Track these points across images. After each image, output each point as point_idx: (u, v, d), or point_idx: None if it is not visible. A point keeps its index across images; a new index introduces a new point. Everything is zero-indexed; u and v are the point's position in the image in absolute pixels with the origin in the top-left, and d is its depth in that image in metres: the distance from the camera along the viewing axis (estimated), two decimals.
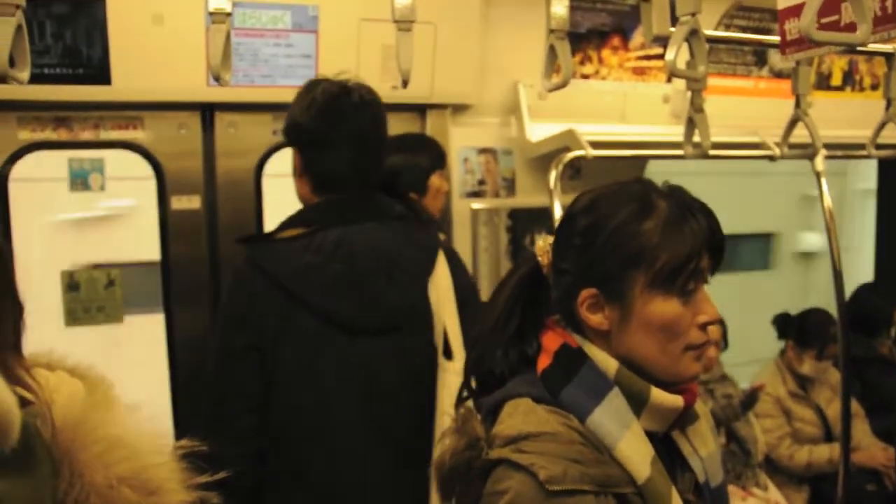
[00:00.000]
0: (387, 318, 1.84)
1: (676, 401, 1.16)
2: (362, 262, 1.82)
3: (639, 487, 1.10)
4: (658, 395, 1.15)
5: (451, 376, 1.83)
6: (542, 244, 1.27)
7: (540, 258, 1.26)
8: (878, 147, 2.77)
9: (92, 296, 2.70)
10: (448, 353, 1.87)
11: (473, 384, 1.29)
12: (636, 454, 1.11)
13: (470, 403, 1.26)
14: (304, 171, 1.92)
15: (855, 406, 3.58)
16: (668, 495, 1.11)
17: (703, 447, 1.25)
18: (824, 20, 1.79)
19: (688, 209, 1.15)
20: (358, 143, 1.88)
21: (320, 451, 1.80)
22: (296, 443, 1.82)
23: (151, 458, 0.69)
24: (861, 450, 3.62)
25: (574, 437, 1.10)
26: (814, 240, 7.01)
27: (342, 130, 1.87)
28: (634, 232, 1.14)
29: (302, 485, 1.82)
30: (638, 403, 1.14)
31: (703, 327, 1.16)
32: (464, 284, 1.97)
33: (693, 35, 1.88)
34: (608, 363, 1.16)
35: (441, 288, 1.90)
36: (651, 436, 1.15)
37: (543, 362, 1.20)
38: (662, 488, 1.11)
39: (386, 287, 1.83)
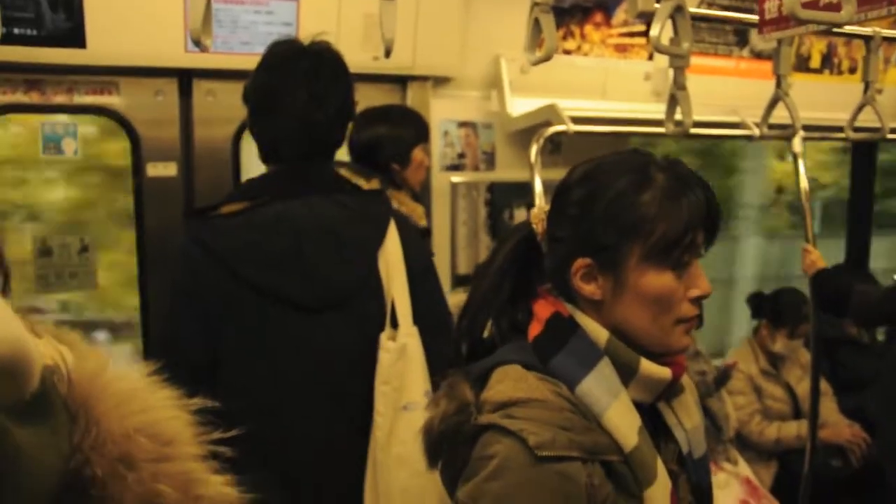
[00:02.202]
0: (333, 292, 1.79)
1: (665, 372, 1.17)
2: (305, 237, 1.76)
3: (625, 455, 1.11)
4: (647, 366, 1.16)
5: (383, 353, 1.80)
6: (538, 211, 1.26)
7: (535, 225, 1.25)
8: (856, 130, 2.80)
9: (65, 262, 2.66)
10: (395, 324, 1.84)
11: (463, 350, 1.29)
12: (624, 423, 1.12)
13: (459, 369, 1.25)
14: (253, 135, 1.86)
15: (823, 385, 3.64)
16: (653, 464, 1.13)
17: (688, 419, 1.26)
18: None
19: (686, 182, 1.15)
20: (305, 110, 1.78)
21: (271, 426, 1.76)
22: (246, 418, 1.78)
23: (165, 412, 0.69)
24: (828, 427, 3.68)
25: (563, 404, 1.11)
26: None
27: (288, 95, 1.78)
28: (632, 203, 1.13)
29: (255, 459, 1.80)
30: (627, 374, 1.15)
31: (696, 301, 1.17)
32: (415, 256, 1.90)
33: (678, 11, 1.88)
34: (599, 333, 1.16)
35: (391, 260, 1.85)
36: (638, 406, 1.16)
37: (535, 330, 1.20)
38: (648, 457, 1.12)
39: (331, 262, 1.78)
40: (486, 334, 1.28)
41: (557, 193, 1.23)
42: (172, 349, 1.76)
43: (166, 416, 0.69)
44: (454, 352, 1.29)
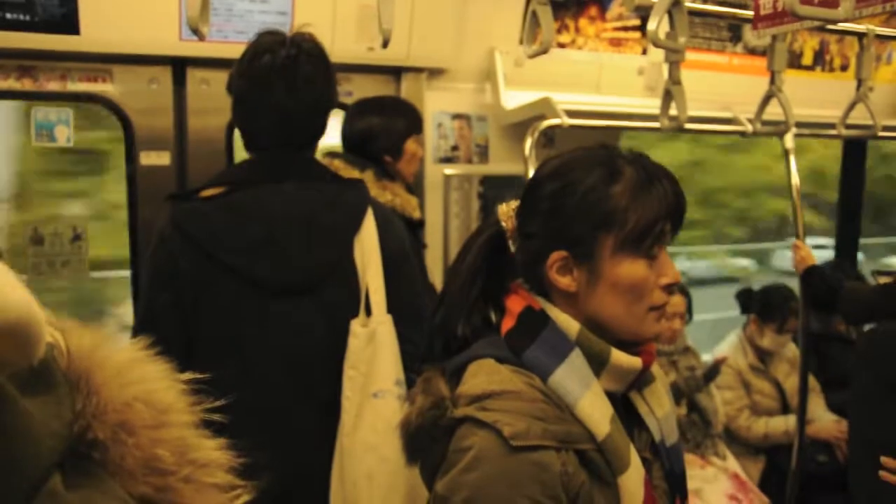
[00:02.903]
0: (304, 277, 1.82)
1: (635, 362, 1.20)
2: (277, 223, 1.79)
3: (598, 444, 1.13)
4: (618, 356, 1.18)
5: (352, 339, 1.82)
6: (506, 209, 1.29)
7: (504, 223, 1.28)
8: (848, 127, 2.82)
9: (57, 250, 2.65)
10: (368, 311, 1.86)
11: (437, 346, 1.30)
12: (596, 412, 1.14)
13: (433, 364, 1.28)
14: (236, 123, 1.89)
15: (811, 381, 3.66)
16: (626, 452, 1.15)
17: (659, 408, 1.29)
18: None
19: (653, 174, 1.18)
20: (280, 101, 1.81)
21: (243, 409, 1.77)
22: (218, 398, 1.78)
23: (160, 382, 0.72)
24: (816, 422, 3.71)
25: (536, 395, 1.13)
26: None
27: (264, 86, 1.81)
28: (604, 195, 1.16)
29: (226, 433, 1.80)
30: (598, 364, 1.18)
31: (666, 288, 1.20)
32: (392, 245, 1.91)
33: (675, 6, 1.89)
34: (570, 325, 1.19)
35: (366, 247, 1.87)
36: (610, 396, 1.18)
37: (507, 324, 1.22)
38: (621, 445, 1.15)
39: (301, 247, 1.81)
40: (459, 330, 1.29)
41: (528, 190, 1.26)
42: (149, 330, 1.75)
43: (162, 387, 0.71)
44: (428, 347, 1.31)
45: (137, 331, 1.82)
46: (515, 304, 1.23)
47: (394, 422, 1.74)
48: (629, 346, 1.21)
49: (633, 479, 1.15)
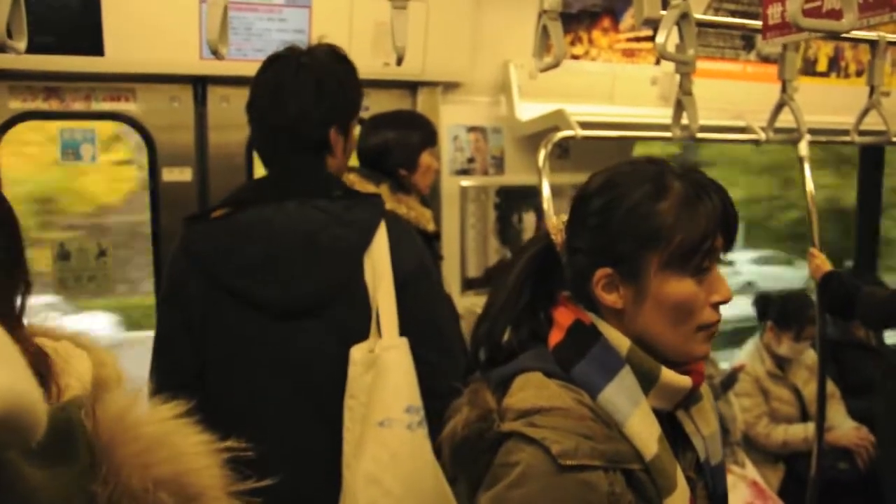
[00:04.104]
0: (308, 299, 1.75)
1: (685, 381, 1.18)
2: (279, 244, 1.74)
3: (646, 464, 1.11)
4: (668, 374, 1.16)
5: (350, 366, 1.74)
6: (556, 222, 1.27)
7: (553, 237, 1.27)
8: (861, 133, 2.82)
9: (83, 265, 2.71)
10: (379, 330, 1.77)
11: (482, 357, 1.29)
12: (645, 431, 1.12)
13: (480, 376, 1.26)
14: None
15: (831, 387, 3.65)
16: (673, 472, 1.13)
17: (706, 427, 1.27)
18: (806, 6, 1.82)
19: (702, 189, 1.16)
20: (267, 113, 1.79)
21: (252, 432, 1.73)
22: (228, 423, 1.76)
23: (194, 461, 0.66)
24: (835, 430, 3.70)
25: (585, 412, 1.11)
26: None
27: (264, 99, 1.80)
28: (650, 212, 1.14)
29: (233, 467, 1.77)
30: (648, 382, 1.16)
31: (716, 306, 1.18)
32: (405, 262, 1.82)
33: (683, 18, 1.92)
34: (621, 341, 1.17)
35: (377, 265, 1.79)
36: (657, 414, 1.16)
37: (556, 337, 1.20)
38: (668, 465, 1.13)
39: (305, 268, 1.74)
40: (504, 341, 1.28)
41: (575, 204, 1.24)
42: (162, 355, 1.79)
43: (195, 468, 0.66)
44: (472, 356, 1.29)
45: (154, 352, 1.81)
46: (564, 317, 1.21)
47: (400, 452, 1.70)
48: (677, 365, 1.19)
49: (679, 502, 1.13)
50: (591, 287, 1.19)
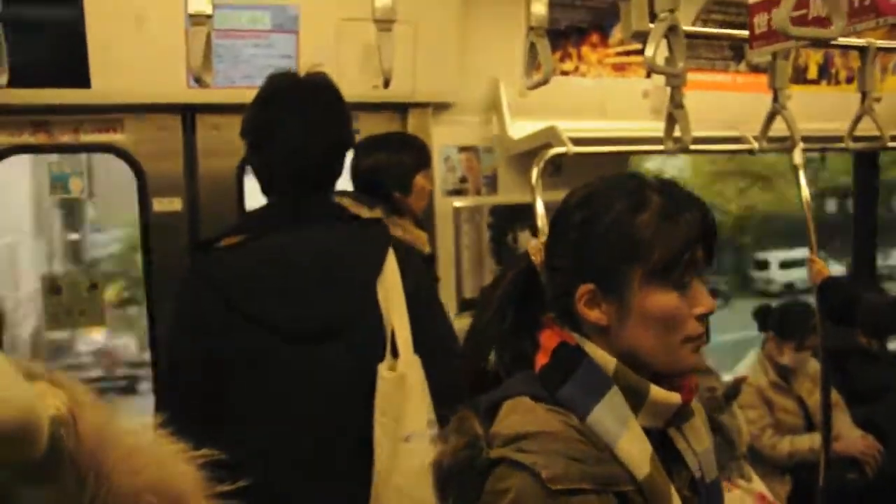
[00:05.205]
0: (329, 323, 1.78)
1: (674, 398, 1.17)
2: (299, 269, 1.76)
3: (638, 485, 1.10)
4: (656, 392, 1.15)
5: (381, 383, 1.77)
6: (535, 244, 1.27)
7: (533, 257, 1.26)
8: (855, 139, 2.82)
9: (74, 299, 2.68)
10: (395, 353, 1.81)
11: (469, 384, 1.28)
12: (636, 452, 1.11)
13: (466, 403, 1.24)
14: (252, 168, 1.88)
15: (835, 396, 3.62)
16: (667, 492, 1.12)
17: (699, 443, 1.25)
18: (794, 14, 1.82)
19: (681, 202, 1.16)
20: (298, 142, 1.80)
21: (268, 457, 1.74)
22: (245, 448, 1.77)
23: (174, 467, 0.69)
24: (841, 439, 3.66)
25: (574, 435, 1.10)
26: None
27: (281, 128, 1.80)
28: (629, 226, 1.14)
29: (251, 490, 1.78)
30: (636, 401, 1.14)
31: (701, 318, 1.17)
32: (415, 284, 1.88)
33: (672, 31, 1.91)
34: (606, 361, 1.16)
35: (389, 288, 1.83)
36: (647, 432, 1.15)
37: (541, 361, 1.19)
38: (662, 485, 1.11)
39: (326, 292, 1.77)
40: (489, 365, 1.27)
41: (554, 222, 1.24)
42: (175, 385, 1.79)
43: (174, 472, 0.68)
44: (460, 383, 1.30)
45: (165, 382, 1.82)
46: (549, 339, 1.20)
47: (425, 465, 1.72)
48: (667, 381, 1.17)
49: None
50: (574, 304, 1.18)
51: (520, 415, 1.13)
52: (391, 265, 1.84)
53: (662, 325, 1.14)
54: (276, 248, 1.78)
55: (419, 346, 1.83)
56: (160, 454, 0.68)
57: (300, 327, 1.75)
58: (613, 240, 1.15)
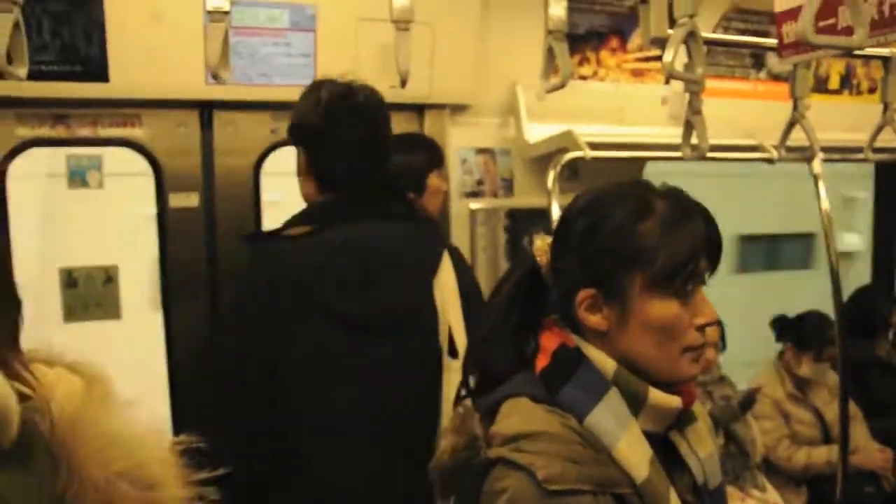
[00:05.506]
0: (394, 317, 1.82)
1: (674, 401, 1.16)
2: (372, 260, 1.80)
3: (637, 488, 1.09)
4: (656, 395, 1.15)
5: (454, 375, 1.81)
6: (541, 244, 1.26)
7: (538, 258, 1.26)
8: (876, 150, 2.78)
9: (90, 292, 2.70)
10: (453, 353, 1.85)
11: (471, 383, 1.29)
12: (634, 454, 1.11)
13: (468, 402, 1.26)
14: (310, 169, 1.92)
15: (853, 408, 3.58)
16: (666, 496, 1.11)
17: (702, 448, 1.25)
18: (821, 24, 1.79)
19: (686, 210, 1.15)
20: (362, 143, 1.88)
21: (326, 452, 1.78)
22: (303, 443, 1.79)
23: (149, 453, 0.68)
24: (859, 452, 3.62)
25: (572, 436, 1.10)
26: (853, 240, 7.40)
27: (348, 130, 1.86)
28: (632, 232, 1.14)
29: (308, 486, 1.80)
30: (636, 404, 1.14)
31: (702, 329, 1.16)
32: (468, 284, 1.95)
33: (691, 37, 1.89)
34: (606, 363, 1.16)
35: (446, 287, 1.88)
36: (649, 436, 1.15)
37: (542, 362, 1.19)
38: (661, 489, 1.11)
39: (394, 286, 1.81)
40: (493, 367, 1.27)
41: (559, 225, 1.24)
42: (232, 377, 1.80)
43: (151, 459, 0.68)
44: (463, 384, 1.29)
45: (218, 378, 1.82)
46: (550, 341, 1.21)
47: None
48: (668, 386, 1.17)
49: None
50: (575, 308, 1.18)
51: (519, 415, 1.13)
52: (446, 264, 1.90)
53: (662, 333, 1.14)
54: (345, 239, 1.81)
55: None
56: (136, 441, 0.68)
57: (369, 319, 1.79)
58: (616, 245, 1.14)
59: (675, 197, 1.17)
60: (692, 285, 1.15)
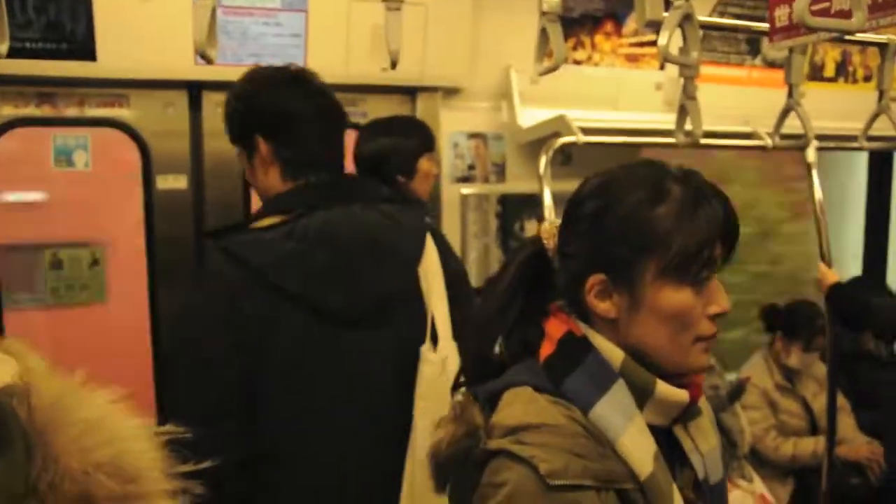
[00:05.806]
0: (377, 307, 1.73)
1: (682, 395, 1.12)
2: (349, 248, 1.70)
3: (640, 483, 1.06)
4: (663, 388, 1.11)
5: (426, 366, 1.75)
6: (549, 227, 1.21)
7: (545, 241, 1.20)
8: (870, 139, 2.77)
9: (76, 274, 2.67)
10: (434, 340, 1.78)
11: (472, 371, 1.24)
12: (639, 449, 1.07)
13: (466, 391, 1.21)
14: (274, 158, 1.78)
15: (841, 400, 3.58)
16: (669, 492, 1.08)
17: (704, 443, 1.21)
18: (814, 7, 1.77)
19: (703, 195, 1.10)
20: (327, 121, 1.79)
21: (311, 446, 1.71)
22: (286, 439, 1.74)
23: (131, 444, 0.65)
24: (846, 443, 3.62)
25: (576, 429, 1.06)
26: None
27: (311, 108, 1.77)
28: (646, 217, 1.09)
29: (293, 481, 1.76)
30: (642, 396, 1.11)
31: (714, 318, 1.12)
32: (452, 269, 1.86)
33: (686, 20, 1.87)
34: (614, 353, 1.12)
35: (430, 273, 1.80)
36: (652, 429, 1.11)
37: (546, 350, 1.15)
38: (664, 485, 1.08)
39: (373, 272, 1.72)
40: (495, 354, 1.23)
41: (569, 207, 1.19)
42: (210, 378, 1.68)
43: (133, 450, 0.65)
44: (462, 371, 1.25)
45: (197, 378, 1.69)
46: (555, 328, 1.16)
47: None
48: (674, 378, 1.13)
49: None
50: (584, 294, 1.13)
51: (521, 405, 1.09)
52: (430, 249, 1.81)
53: (673, 322, 1.10)
54: (320, 227, 1.69)
55: (457, 331, 1.80)
56: (117, 431, 0.65)
57: (351, 310, 1.70)
58: (629, 230, 1.09)
59: (691, 179, 1.12)
60: (707, 273, 1.10)
